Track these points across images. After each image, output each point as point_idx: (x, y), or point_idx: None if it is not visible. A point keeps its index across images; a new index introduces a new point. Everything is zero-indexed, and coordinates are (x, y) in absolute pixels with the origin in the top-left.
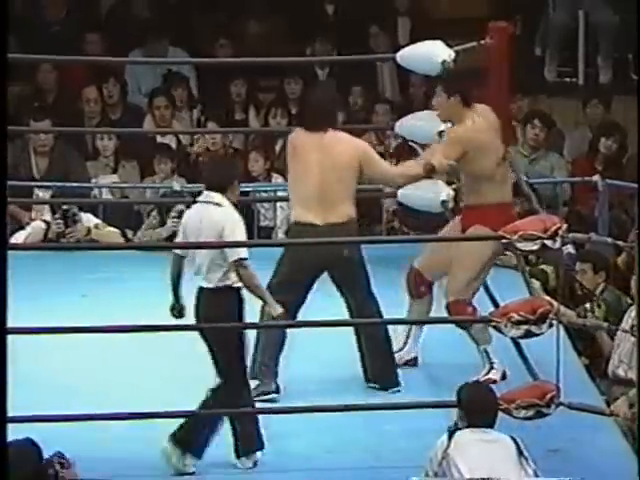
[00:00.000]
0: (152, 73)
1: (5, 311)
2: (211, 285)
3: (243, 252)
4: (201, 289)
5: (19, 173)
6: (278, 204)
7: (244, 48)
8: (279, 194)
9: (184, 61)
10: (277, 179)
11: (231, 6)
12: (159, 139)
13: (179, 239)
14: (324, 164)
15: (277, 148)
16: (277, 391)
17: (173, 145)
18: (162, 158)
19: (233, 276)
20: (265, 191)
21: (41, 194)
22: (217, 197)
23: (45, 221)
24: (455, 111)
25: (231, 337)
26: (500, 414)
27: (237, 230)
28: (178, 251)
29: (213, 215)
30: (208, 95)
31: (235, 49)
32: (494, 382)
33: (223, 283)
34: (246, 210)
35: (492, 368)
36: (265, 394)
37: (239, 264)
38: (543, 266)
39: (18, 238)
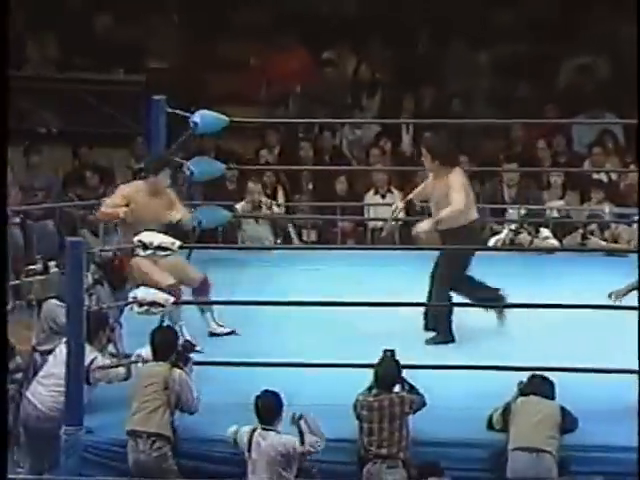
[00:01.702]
0: (590, 131)
1: (5, 309)
2: None
3: None
4: None
5: (496, 199)
6: None
7: None
8: None
9: (613, 122)
10: None
11: None
12: (595, 176)
13: None
14: None
15: None
16: None
17: (605, 180)
18: (596, 189)
19: None
20: None
21: (511, 212)
22: None
23: (512, 230)
24: None
25: None
26: None
27: None
28: None
29: None
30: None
31: None
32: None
33: None
34: None
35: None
36: None
37: None
38: None
39: (491, 241)
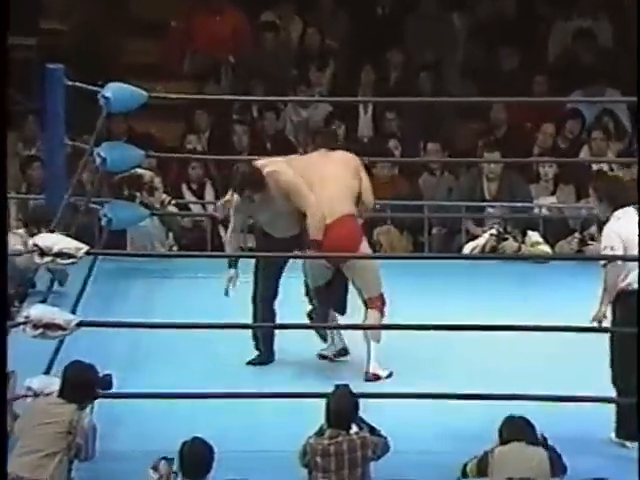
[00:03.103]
0: (588, 111)
1: (5, 312)
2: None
3: None
4: None
5: (474, 195)
6: None
7: None
8: None
9: (613, 100)
10: None
11: None
12: (594, 166)
13: (619, 251)
14: None
15: None
16: None
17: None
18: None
19: None
20: None
21: (492, 211)
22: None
23: (493, 235)
24: None
25: None
26: None
27: None
28: None
29: None
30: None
31: None
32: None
33: None
34: None
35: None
36: None
37: None
38: None
39: (467, 248)
